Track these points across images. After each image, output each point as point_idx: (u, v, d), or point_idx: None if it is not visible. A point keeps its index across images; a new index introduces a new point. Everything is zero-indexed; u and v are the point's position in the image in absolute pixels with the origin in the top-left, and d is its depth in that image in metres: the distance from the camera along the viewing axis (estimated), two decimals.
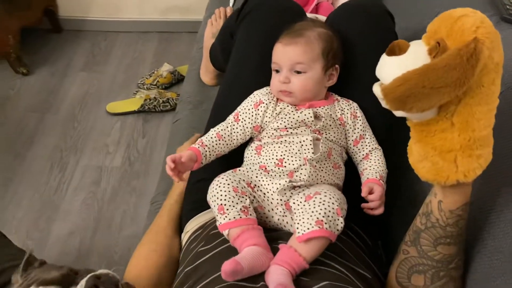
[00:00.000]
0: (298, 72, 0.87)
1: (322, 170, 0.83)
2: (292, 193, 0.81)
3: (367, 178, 0.86)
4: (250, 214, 0.77)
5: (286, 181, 0.80)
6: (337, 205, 0.73)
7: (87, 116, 2.02)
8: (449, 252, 0.71)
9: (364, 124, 0.91)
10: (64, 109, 2.05)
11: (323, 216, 0.71)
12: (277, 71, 0.89)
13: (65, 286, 0.76)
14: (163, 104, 1.97)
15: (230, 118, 0.91)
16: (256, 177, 0.83)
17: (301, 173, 0.81)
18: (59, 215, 1.66)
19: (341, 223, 0.72)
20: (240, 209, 0.76)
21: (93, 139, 1.92)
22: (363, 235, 0.90)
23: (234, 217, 0.75)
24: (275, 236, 0.79)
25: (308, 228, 0.70)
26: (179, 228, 0.99)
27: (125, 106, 2.01)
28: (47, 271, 0.78)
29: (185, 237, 0.95)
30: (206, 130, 1.04)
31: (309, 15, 1.27)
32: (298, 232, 0.71)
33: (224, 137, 0.89)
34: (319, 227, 0.70)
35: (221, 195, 0.77)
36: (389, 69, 0.64)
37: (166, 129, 1.87)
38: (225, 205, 0.76)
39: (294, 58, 0.87)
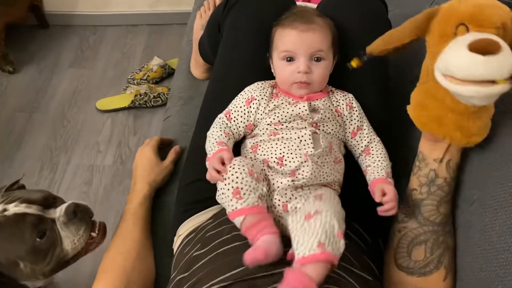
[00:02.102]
0: (318, 60, 0.83)
1: (324, 165, 0.79)
2: (292, 194, 0.76)
3: (375, 178, 0.81)
4: (265, 203, 0.73)
5: (288, 180, 0.76)
6: (338, 227, 0.67)
7: (77, 114, 1.97)
8: (446, 211, 0.77)
9: (361, 115, 0.87)
10: (53, 108, 2.00)
11: (325, 238, 0.65)
12: (289, 59, 0.84)
13: (46, 207, 0.84)
14: (154, 99, 1.92)
15: (222, 117, 0.86)
16: (262, 169, 0.78)
17: (303, 171, 0.77)
18: None
19: (343, 245, 0.67)
20: (258, 196, 0.71)
21: (83, 138, 1.88)
22: (363, 233, 0.87)
23: (253, 203, 0.70)
24: None
25: (309, 250, 0.65)
26: (150, 230, 0.98)
27: (115, 102, 1.96)
28: (29, 192, 0.87)
29: (177, 240, 0.92)
30: (197, 126, 1.00)
31: (300, 2, 1.22)
32: (298, 254, 0.65)
33: (230, 135, 0.84)
34: (320, 249, 0.65)
35: (237, 177, 0.71)
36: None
37: (158, 125, 1.83)
38: (241, 188, 0.71)
39: (315, 45, 0.82)
